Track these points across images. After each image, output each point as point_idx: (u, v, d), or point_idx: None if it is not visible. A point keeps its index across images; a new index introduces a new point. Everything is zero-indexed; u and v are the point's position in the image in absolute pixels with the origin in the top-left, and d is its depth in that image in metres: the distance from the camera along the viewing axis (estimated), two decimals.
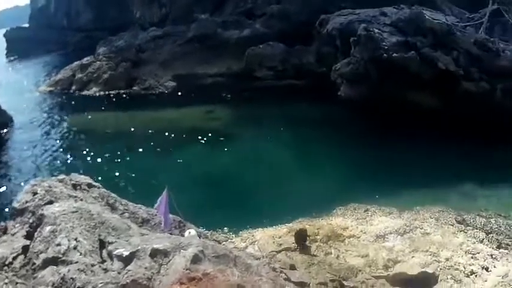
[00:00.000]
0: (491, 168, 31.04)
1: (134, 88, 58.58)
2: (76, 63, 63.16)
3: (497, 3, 48.18)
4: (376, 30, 44.74)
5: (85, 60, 63.17)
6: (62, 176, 16.77)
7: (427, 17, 45.53)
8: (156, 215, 16.88)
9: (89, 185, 16.60)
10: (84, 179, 16.91)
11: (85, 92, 57.81)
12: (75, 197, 14.53)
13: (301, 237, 20.83)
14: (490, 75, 41.06)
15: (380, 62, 43.01)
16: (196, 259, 11.09)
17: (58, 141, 41.78)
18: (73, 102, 54.53)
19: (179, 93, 55.56)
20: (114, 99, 54.60)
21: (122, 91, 57.46)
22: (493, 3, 47.48)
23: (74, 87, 59.24)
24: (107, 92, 56.82)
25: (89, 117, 47.47)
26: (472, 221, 23.82)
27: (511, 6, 48.05)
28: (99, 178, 22.90)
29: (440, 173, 29.83)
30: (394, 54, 42.29)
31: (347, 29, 48.99)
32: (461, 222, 23.49)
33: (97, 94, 56.86)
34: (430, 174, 29.78)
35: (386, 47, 43.03)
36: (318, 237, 21.59)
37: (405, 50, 42.70)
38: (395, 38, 44.20)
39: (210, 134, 40.05)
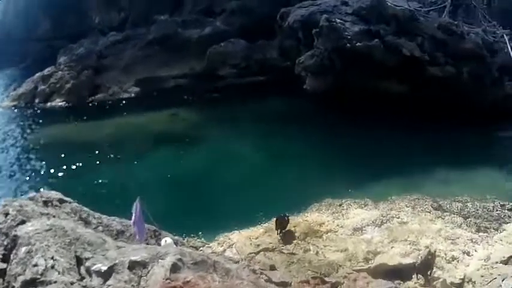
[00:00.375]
0: (464, 152, 31.52)
1: (98, 96, 57.42)
2: (37, 74, 61.52)
3: None
4: (338, 20, 44.69)
5: (46, 71, 61.28)
6: (32, 194, 16.42)
7: (389, 4, 45.63)
8: (130, 226, 16.61)
9: (60, 201, 16.25)
10: (55, 194, 16.55)
11: (49, 104, 56.42)
12: (48, 214, 14.19)
13: (281, 225, 21.31)
14: (455, 58, 41.54)
15: (344, 52, 43.01)
16: (175, 268, 10.99)
17: (24, 157, 40.89)
18: (37, 116, 53.28)
19: (143, 98, 54.78)
20: (78, 109, 53.50)
21: (86, 100, 56.41)
22: None
23: (37, 100, 57.68)
24: (71, 103, 55.74)
25: (54, 129, 46.37)
26: (448, 206, 24.08)
27: None
28: (70, 192, 22.52)
29: (413, 160, 30.15)
30: (358, 44, 42.32)
31: (309, 20, 48.61)
32: (438, 208, 23.68)
33: (61, 105, 55.63)
34: (402, 162, 30.02)
35: (349, 37, 43.01)
36: (296, 234, 21.45)
37: (368, 38, 42.76)
38: (358, 27, 44.22)
39: (177, 138, 39.66)
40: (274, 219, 21.95)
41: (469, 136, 34.04)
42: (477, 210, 23.73)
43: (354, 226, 22.07)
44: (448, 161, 29.12)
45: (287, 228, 21.65)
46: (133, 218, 16.01)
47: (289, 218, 22.10)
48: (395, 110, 37.27)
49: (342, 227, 22.24)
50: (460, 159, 29.42)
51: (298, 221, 23.01)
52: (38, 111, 54.91)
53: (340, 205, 24.79)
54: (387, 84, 41.33)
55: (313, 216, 23.64)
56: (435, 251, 18.80)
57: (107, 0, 76.09)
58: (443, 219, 22.45)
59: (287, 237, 21.15)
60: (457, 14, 47.97)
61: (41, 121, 50.05)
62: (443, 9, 46.84)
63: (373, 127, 35.75)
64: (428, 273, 18.12)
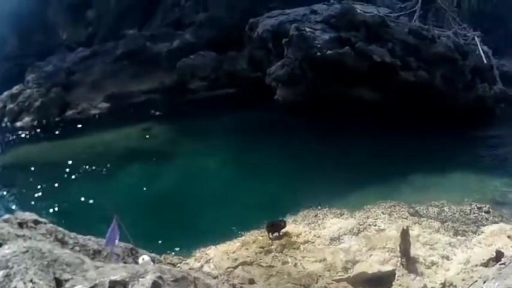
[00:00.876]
0: (439, 156, 31.97)
1: (68, 113, 56.95)
2: (6, 93, 60.79)
3: None
4: (308, 29, 45.12)
5: (14, 89, 60.71)
6: (6, 216, 16.26)
7: (358, 10, 46.21)
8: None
9: (35, 222, 16.10)
10: (30, 216, 16.40)
11: (18, 123, 55.82)
12: (23, 236, 14.05)
13: (273, 229, 22.21)
14: (427, 63, 42.29)
15: (315, 61, 43.41)
16: (156, 286, 10.94)
17: None
18: (6, 135, 52.97)
19: (114, 114, 54.26)
20: (48, 127, 53.11)
21: (56, 117, 55.87)
22: None
23: (6, 119, 56.98)
24: (40, 121, 55.31)
25: (25, 148, 45.93)
26: (425, 211, 24.48)
27: None
28: (44, 212, 22.43)
29: (387, 168, 30.47)
30: (328, 52, 42.78)
31: (278, 30, 49.01)
32: (415, 214, 23.99)
33: (30, 124, 55.10)
34: (377, 170, 30.32)
35: (319, 45, 43.49)
36: (273, 247, 21.44)
37: (339, 46, 43.29)
38: (328, 35, 44.74)
39: (149, 154, 39.53)
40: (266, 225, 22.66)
41: (443, 140, 34.54)
42: (454, 214, 24.17)
43: (331, 236, 22.13)
44: (423, 166, 29.58)
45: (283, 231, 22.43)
46: (110, 237, 15.96)
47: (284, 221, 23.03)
48: (369, 118, 37.64)
49: (319, 237, 22.28)
50: (435, 164, 29.90)
51: None
52: (7, 130, 54.42)
53: (316, 215, 24.85)
54: (360, 91, 41.71)
55: (289, 228, 23.55)
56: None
57: (73, 16, 75.20)
58: (420, 224, 22.68)
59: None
60: (428, 18, 48.61)
61: (11, 140, 49.81)
62: (414, 13, 47.45)
63: (346, 136, 36.09)
64: None
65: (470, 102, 41.91)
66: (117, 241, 16.15)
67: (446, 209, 24.76)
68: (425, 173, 28.99)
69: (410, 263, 18.98)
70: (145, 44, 63.34)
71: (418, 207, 24.82)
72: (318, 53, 43.01)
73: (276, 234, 22.28)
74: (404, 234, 19.10)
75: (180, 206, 29.28)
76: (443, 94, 41.28)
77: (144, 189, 32.98)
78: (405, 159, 31.42)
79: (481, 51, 44.43)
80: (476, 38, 46.49)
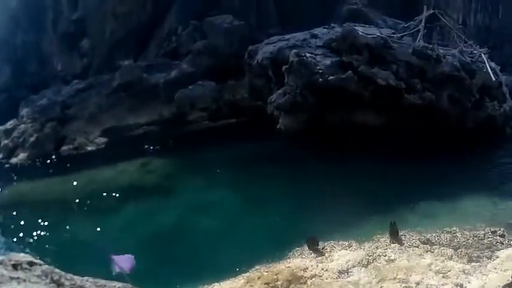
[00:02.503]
0: (448, 179, 31.74)
1: (64, 148, 57.13)
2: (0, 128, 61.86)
3: (433, 7, 49.66)
4: (308, 55, 45.43)
5: (8, 124, 61.56)
6: (0, 258, 16.30)
7: (360, 33, 46.36)
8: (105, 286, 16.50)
9: (30, 263, 16.03)
10: (24, 257, 16.32)
11: (13, 160, 56.02)
12: (18, 278, 14.00)
13: (313, 243, 23.84)
14: (433, 83, 42.25)
15: (316, 87, 43.58)
16: None
17: None
18: (1, 172, 53.21)
19: (111, 149, 54.36)
20: (44, 164, 53.19)
21: (52, 153, 56.00)
22: (428, 8, 48.80)
23: (0, 155, 57.59)
24: (35, 157, 55.37)
25: (20, 186, 46.09)
26: (437, 239, 24.27)
27: (447, 9, 49.56)
28: (39, 253, 22.40)
29: (395, 195, 30.27)
30: (330, 77, 42.98)
31: (278, 57, 49.34)
32: (426, 242, 23.85)
33: (26, 160, 55.23)
34: (385, 198, 30.26)
35: (321, 71, 43.72)
36: (278, 283, 21.37)
37: (341, 70, 43.51)
38: (330, 60, 45.02)
39: (148, 190, 39.49)
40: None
41: (452, 162, 34.43)
42: (467, 239, 23.99)
43: (339, 269, 22.04)
44: (432, 191, 29.51)
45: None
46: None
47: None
48: (375, 143, 37.67)
49: (326, 270, 22.17)
50: (445, 188, 29.77)
51: (280, 268, 22.96)
52: (1, 167, 54.72)
53: (323, 248, 24.73)
54: (363, 116, 41.77)
55: (295, 262, 23.58)
56: None
57: (68, 45, 75.73)
58: (432, 252, 22.61)
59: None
60: (432, 36, 48.73)
61: (4, 178, 49.70)
62: (417, 33, 47.51)
63: (351, 163, 35.99)
64: None
65: (479, 122, 42.00)
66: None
67: (458, 234, 24.58)
68: (436, 197, 28.90)
69: None
70: (141, 75, 63.53)
71: (429, 235, 24.65)
72: (320, 79, 43.20)
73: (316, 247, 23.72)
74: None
75: (180, 243, 29.20)
76: (451, 115, 41.40)
77: (144, 226, 32.80)
78: (413, 185, 31.32)
79: (489, 69, 44.45)
80: (483, 55, 46.65)
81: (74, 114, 62.93)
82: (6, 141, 58.71)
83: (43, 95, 68.46)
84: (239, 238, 28.33)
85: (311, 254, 24.44)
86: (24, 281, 14.16)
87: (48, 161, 53.90)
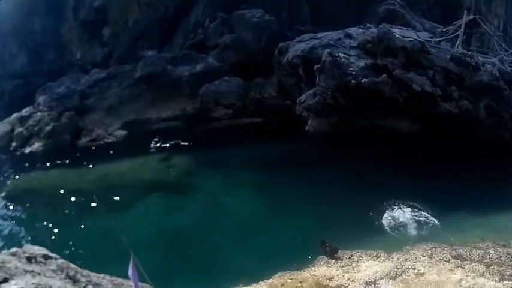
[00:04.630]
0: (482, 192, 31.66)
1: (81, 140, 57.52)
2: (14, 115, 61.48)
3: (473, 12, 49.43)
4: (342, 55, 45.47)
5: (24, 111, 61.93)
6: (14, 249, 16.67)
7: (396, 35, 46.23)
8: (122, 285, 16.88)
9: (45, 257, 16.44)
10: (39, 250, 16.75)
11: (27, 148, 56.27)
12: (32, 271, 14.40)
13: (332, 251, 24.45)
14: (471, 92, 42.07)
15: (349, 90, 43.68)
16: None
17: (1, 207, 40.99)
18: (15, 161, 53.20)
19: (131, 142, 54.77)
20: (60, 155, 53.12)
21: (68, 144, 56.48)
22: (469, 13, 48.58)
23: (14, 144, 57.77)
24: (51, 147, 55.64)
25: (34, 177, 46.25)
26: (468, 254, 24.36)
27: (488, 14, 49.30)
28: (55, 246, 22.69)
29: (427, 205, 30.37)
30: (364, 80, 43.06)
31: (310, 55, 49.32)
32: (458, 257, 23.98)
33: (41, 149, 55.71)
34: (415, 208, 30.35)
35: (354, 73, 43.77)
36: None
37: (375, 73, 43.59)
38: (364, 62, 45.13)
39: (168, 186, 39.87)
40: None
41: (487, 175, 34.39)
42: (500, 256, 24.05)
43: (366, 280, 22.22)
44: (465, 204, 29.51)
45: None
46: (131, 275, 16.37)
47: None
48: (408, 151, 37.72)
49: (353, 281, 22.38)
50: (478, 201, 29.71)
51: (304, 276, 23.22)
52: (16, 155, 55.21)
53: (350, 257, 25.00)
54: (396, 123, 41.79)
55: (321, 270, 23.81)
56: None
57: (88, 34, 76.45)
58: (463, 268, 22.76)
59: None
60: (471, 43, 48.56)
61: (19, 167, 50.08)
62: (456, 38, 47.48)
63: (381, 171, 36.17)
64: None
65: None
66: (135, 280, 16.53)
67: (491, 251, 24.64)
68: (469, 211, 28.96)
69: None
70: (165, 67, 63.80)
71: (460, 250, 24.76)
72: (353, 81, 43.26)
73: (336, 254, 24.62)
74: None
75: (201, 243, 29.28)
76: (487, 125, 41.29)
77: (163, 224, 33.13)
78: (446, 196, 31.28)
79: None
80: None
81: (92, 105, 63.51)
82: (20, 129, 58.90)
83: (61, 82, 68.49)
84: (261, 241, 28.49)
85: (337, 262, 24.69)
86: (39, 274, 14.65)
87: (65, 152, 53.93)
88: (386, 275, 22.43)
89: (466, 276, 21.84)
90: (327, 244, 25.19)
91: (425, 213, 29.65)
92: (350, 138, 41.35)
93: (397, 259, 24.18)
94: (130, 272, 16.72)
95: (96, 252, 28.74)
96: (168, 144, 51.66)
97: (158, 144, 51.63)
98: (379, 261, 24.24)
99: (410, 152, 37.66)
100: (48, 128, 57.95)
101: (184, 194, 38.21)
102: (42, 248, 17.51)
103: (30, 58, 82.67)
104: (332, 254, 24.67)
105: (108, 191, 39.83)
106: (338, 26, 52.79)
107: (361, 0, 63.36)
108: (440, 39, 48.66)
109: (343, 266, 24.14)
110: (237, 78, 59.86)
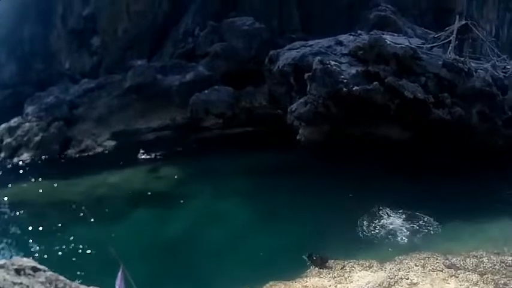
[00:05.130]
0: (475, 200, 31.74)
1: (70, 150, 57.53)
2: (3, 126, 61.02)
3: (465, 18, 49.58)
4: (333, 62, 45.44)
5: (12, 122, 61.68)
6: (2, 261, 16.60)
7: (388, 42, 46.22)
8: None
9: (34, 269, 16.36)
10: (28, 262, 16.66)
11: (16, 159, 56.38)
12: (21, 283, 14.34)
13: (322, 261, 24.47)
14: (463, 98, 42.14)
15: (340, 98, 43.61)
16: None
17: None
18: (3, 172, 53.18)
19: (120, 153, 54.56)
20: (49, 165, 53.36)
21: (57, 155, 56.45)
22: (460, 18, 48.71)
23: (2, 155, 57.74)
24: (40, 157, 55.75)
25: (23, 187, 46.18)
26: (462, 263, 24.32)
27: (480, 20, 49.46)
28: (43, 258, 22.67)
29: (419, 214, 30.40)
30: (355, 87, 43.02)
31: (300, 63, 49.31)
32: (451, 266, 23.95)
33: (29, 160, 55.66)
34: (408, 217, 30.35)
35: (345, 80, 43.73)
36: None
37: (367, 81, 43.59)
38: (355, 69, 45.16)
39: (157, 197, 39.84)
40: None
41: (480, 182, 34.42)
42: (494, 265, 24.00)
43: None
44: (458, 212, 29.57)
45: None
46: (117, 284, 16.28)
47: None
48: (400, 159, 37.78)
49: None
50: (472, 209, 29.78)
51: (296, 286, 23.22)
52: (4, 166, 55.06)
53: (342, 267, 24.91)
54: (389, 130, 41.82)
55: (313, 281, 23.74)
56: None
57: (77, 43, 76.06)
58: (457, 277, 22.68)
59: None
60: (463, 49, 48.64)
61: (7, 178, 49.93)
62: (448, 44, 47.49)
63: (373, 179, 36.18)
64: None
65: (510, 141, 41.85)
66: None
67: (485, 260, 24.58)
68: (462, 218, 28.99)
69: None
70: (155, 76, 63.65)
71: (454, 259, 24.73)
72: (344, 89, 43.19)
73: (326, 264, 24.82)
74: None
75: (191, 253, 29.27)
76: (480, 132, 41.38)
77: (152, 235, 33.11)
78: (438, 204, 31.28)
79: None
80: None
81: (81, 115, 63.20)
82: (9, 140, 58.80)
83: (50, 92, 68.18)
84: (252, 251, 28.51)
85: (329, 273, 24.64)
86: (28, 287, 14.55)
87: (54, 162, 54.16)
88: (379, 285, 22.36)
89: (460, 285, 21.83)
90: (314, 257, 25.21)
91: (418, 221, 29.65)
92: (342, 146, 41.38)
93: (390, 269, 24.06)
94: (117, 283, 16.67)
95: (85, 264, 28.69)
96: (158, 154, 51.61)
97: (148, 155, 51.38)
98: (371, 272, 24.17)
99: (402, 160, 37.74)
100: (37, 138, 57.95)
101: (175, 204, 38.17)
102: (30, 260, 17.41)
103: (19, 67, 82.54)
104: (322, 264, 24.59)
105: (97, 202, 39.98)
106: (329, 34, 52.83)
107: (352, 7, 63.63)
108: (432, 45, 48.71)
109: (335, 277, 24.03)
110: (228, 87, 59.69)
